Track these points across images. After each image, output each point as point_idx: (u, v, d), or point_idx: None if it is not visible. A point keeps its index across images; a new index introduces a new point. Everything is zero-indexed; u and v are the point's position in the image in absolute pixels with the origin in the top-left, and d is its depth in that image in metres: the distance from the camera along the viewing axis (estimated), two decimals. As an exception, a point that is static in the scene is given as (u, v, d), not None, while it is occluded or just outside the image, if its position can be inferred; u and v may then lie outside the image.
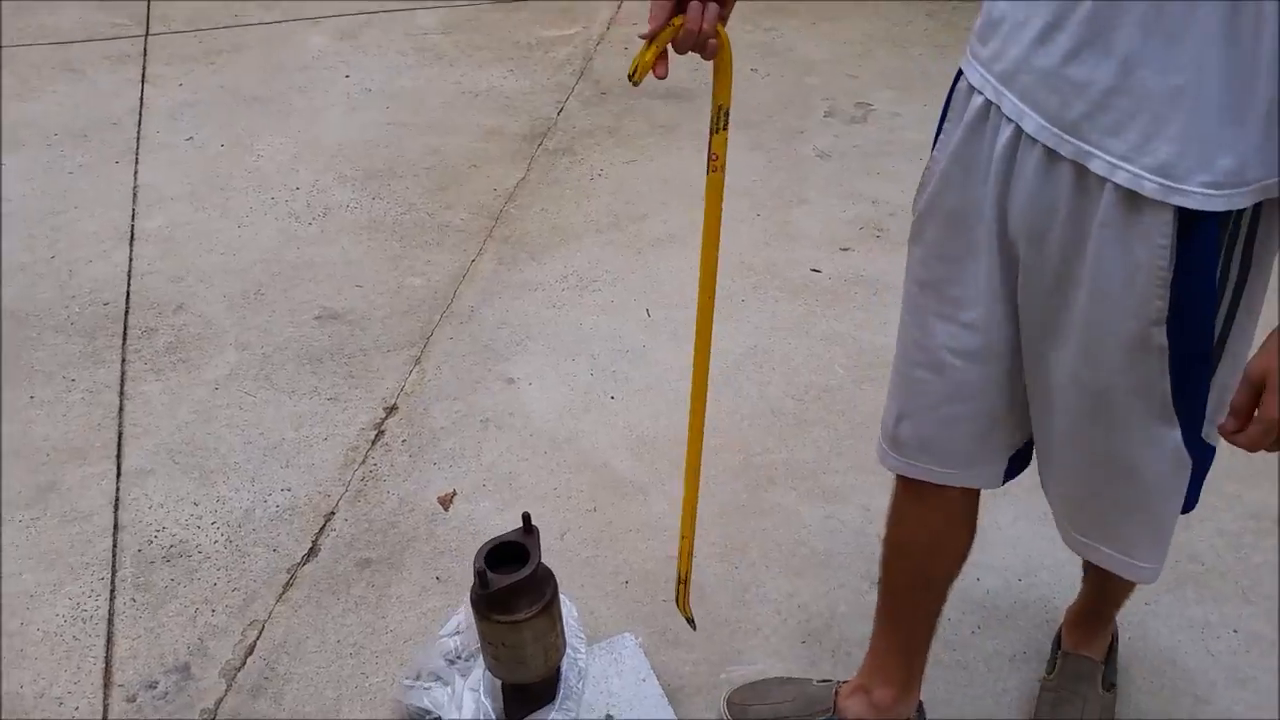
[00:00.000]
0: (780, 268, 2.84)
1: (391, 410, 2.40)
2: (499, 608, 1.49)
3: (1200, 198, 0.94)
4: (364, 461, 2.26)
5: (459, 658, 1.77)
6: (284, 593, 1.96)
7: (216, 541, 2.07)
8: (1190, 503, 1.22)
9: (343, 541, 2.07)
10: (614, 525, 2.08)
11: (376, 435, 2.33)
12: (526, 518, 1.53)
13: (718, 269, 1.44)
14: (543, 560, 1.52)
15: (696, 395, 1.56)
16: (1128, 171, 0.96)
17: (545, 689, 1.63)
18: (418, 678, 1.71)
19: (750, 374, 2.48)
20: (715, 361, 2.52)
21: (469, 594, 1.53)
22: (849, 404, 2.38)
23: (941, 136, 1.16)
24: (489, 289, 2.80)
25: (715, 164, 1.32)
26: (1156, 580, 1.29)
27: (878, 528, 1.55)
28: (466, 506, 2.14)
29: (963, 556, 1.45)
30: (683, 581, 1.73)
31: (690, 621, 1.76)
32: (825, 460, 2.24)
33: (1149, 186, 0.95)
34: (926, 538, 1.42)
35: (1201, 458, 1.16)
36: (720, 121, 1.27)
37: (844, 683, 1.64)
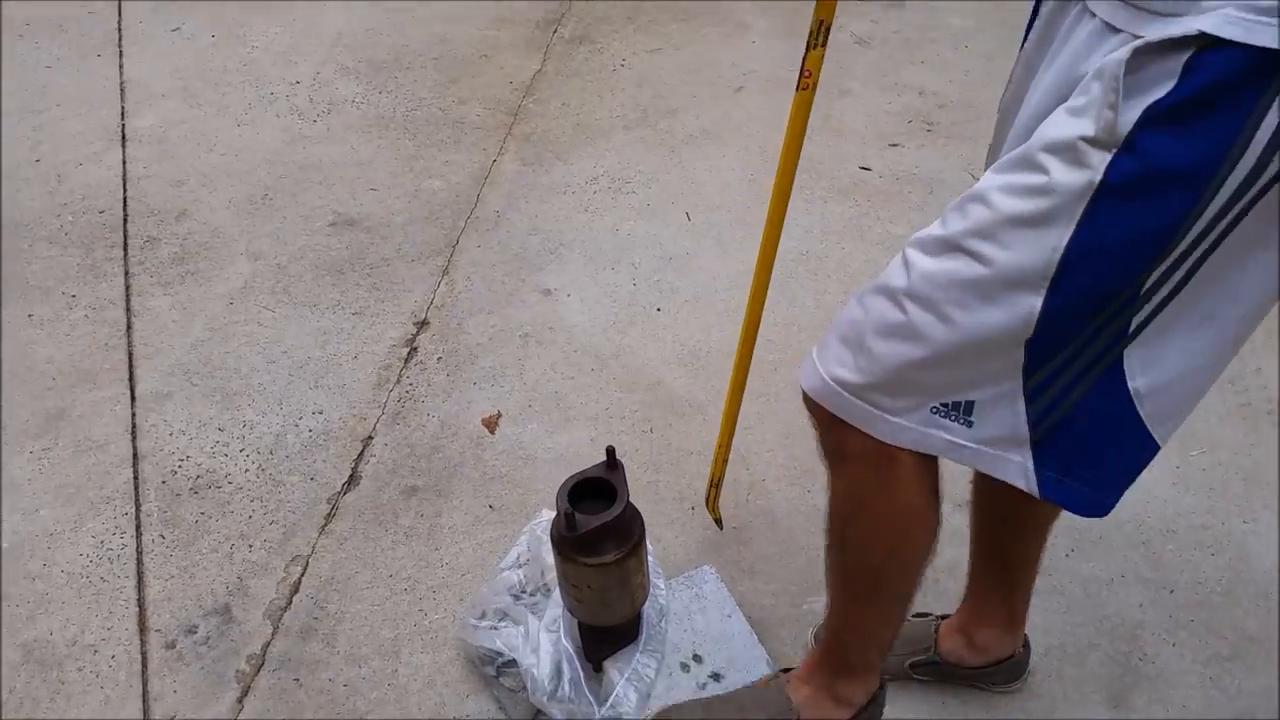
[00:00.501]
0: (827, 166, 2.68)
1: (422, 325, 2.25)
2: (586, 550, 1.37)
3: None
4: (399, 381, 2.12)
5: (524, 592, 1.66)
6: (326, 524, 1.85)
7: (248, 470, 1.94)
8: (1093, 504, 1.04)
9: (384, 468, 1.94)
10: (673, 447, 1.96)
11: (410, 352, 2.19)
12: (611, 452, 1.41)
13: (790, 185, 1.29)
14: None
15: (754, 299, 1.43)
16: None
17: (627, 629, 1.52)
18: (483, 616, 1.61)
19: (804, 281, 2.34)
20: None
21: (550, 531, 1.42)
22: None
23: (1028, 34, 1.04)
24: (514, 192, 2.63)
25: (807, 81, 1.18)
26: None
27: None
28: (513, 429, 2.01)
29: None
30: (715, 485, 1.68)
31: (718, 523, 1.74)
32: (892, 374, 2.12)
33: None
34: None
35: (1064, 495, 1.02)
36: (820, 38, 1.13)
37: (942, 618, 1.55)
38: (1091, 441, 0.98)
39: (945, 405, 0.99)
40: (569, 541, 1.36)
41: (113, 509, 1.87)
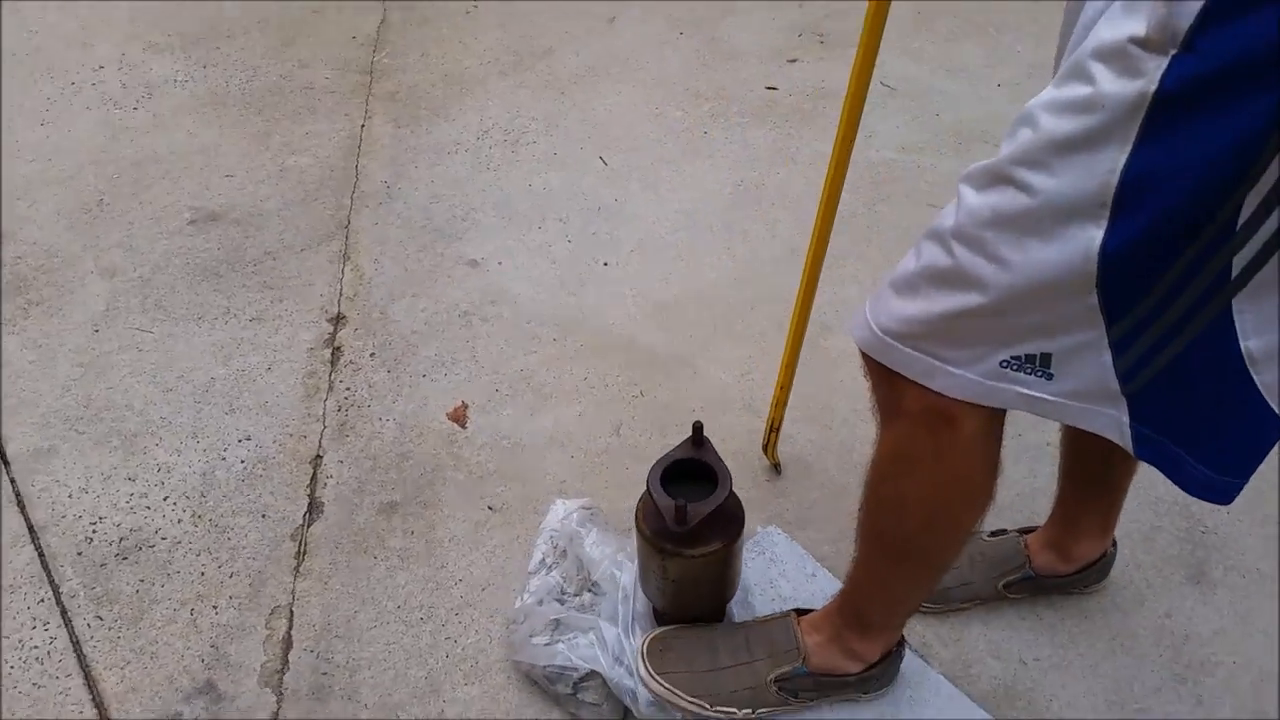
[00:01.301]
0: (733, 90, 2.55)
1: (339, 320, 1.98)
2: (691, 541, 1.21)
3: None
4: (331, 388, 1.85)
5: (565, 593, 1.48)
6: (300, 565, 1.59)
7: (180, 521, 1.64)
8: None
9: (348, 489, 1.69)
10: (672, 408, 1.81)
11: (334, 353, 1.92)
12: (698, 428, 1.24)
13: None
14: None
15: (817, 243, 1.31)
16: None
17: (716, 615, 1.37)
18: (540, 631, 1.41)
19: (751, 212, 2.22)
20: (706, 204, 2.24)
21: (639, 524, 1.24)
22: (871, 227, 2.17)
23: None
24: (398, 158, 2.37)
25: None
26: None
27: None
28: (486, 419, 1.80)
29: None
30: (775, 430, 1.60)
31: (776, 468, 1.66)
32: (869, 294, 2.03)
33: None
34: None
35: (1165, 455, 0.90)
36: None
37: (1023, 532, 1.48)
38: (1198, 407, 0.86)
39: (1018, 358, 0.88)
40: (677, 536, 1.19)
41: (22, 598, 1.54)
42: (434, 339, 1.94)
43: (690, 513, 1.16)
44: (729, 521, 1.23)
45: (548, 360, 1.90)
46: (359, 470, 1.72)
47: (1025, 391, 0.89)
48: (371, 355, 1.91)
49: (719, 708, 1.26)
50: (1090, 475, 1.36)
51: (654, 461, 1.24)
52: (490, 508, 1.66)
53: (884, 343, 0.94)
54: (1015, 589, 1.46)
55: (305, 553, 1.60)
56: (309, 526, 1.64)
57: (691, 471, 1.23)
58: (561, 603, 1.47)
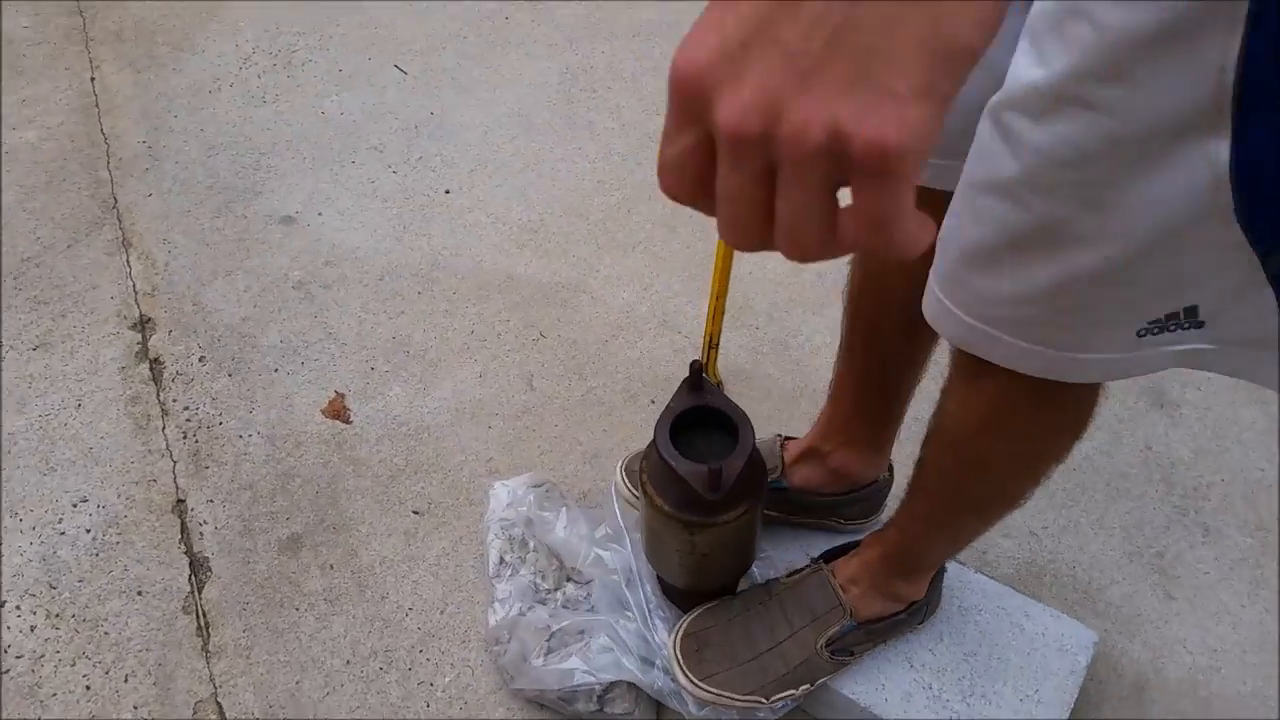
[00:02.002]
0: (523, -40, 2.25)
1: (144, 325, 1.63)
2: (722, 506, 1.03)
3: None
4: (166, 412, 1.52)
5: (541, 590, 1.28)
6: (207, 643, 1.30)
7: (35, 627, 1.31)
8: None
9: (233, 533, 1.40)
10: (582, 344, 1.60)
11: (153, 366, 1.57)
12: (695, 369, 1.04)
13: None
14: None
15: None
16: None
17: (737, 580, 1.22)
18: (531, 649, 1.21)
19: (589, 103, 1.97)
20: (535, 101, 1.97)
21: (650, 497, 1.05)
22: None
23: None
24: (150, 110, 1.95)
25: None
26: None
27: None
28: (370, 406, 1.53)
29: None
30: (713, 346, 1.37)
31: (720, 385, 1.45)
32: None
33: None
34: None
35: None
36: None
37: (786, 439, 1.29)
38: None
39: (1156, 321, 0.70)
40: (708, 505, 1.01)
41: None
42: (271, 323, 1.63)
43: (725, 474, 0.98)
44: (753, 471, 1.06)
45: (419, 319, 1.63)
46: (237, 506, 1.42)
47: (1175, 348, 0.72)
48: (200, 360, 1.58)
49: (776, 697, 1.11)
50: (875, 381, 1.15)
51: (657, 423, 1.04)
52: (415, 511, 1.41)
53: (985, 334, 0.75)
54: (768, 504, 1.26)
55: (208, 626, 1.32)
56: (200, 592, 1.34)
57: (695, 421, 1.04)
58: (544, 604, 1.27)
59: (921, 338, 1.07)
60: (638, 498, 1.23)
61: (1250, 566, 1.33)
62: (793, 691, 1.11)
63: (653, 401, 1.50)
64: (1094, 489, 1.41)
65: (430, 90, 1.98)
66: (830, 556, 1.17)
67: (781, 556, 1.24)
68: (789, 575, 1.16)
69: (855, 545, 1.17)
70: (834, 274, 1.66)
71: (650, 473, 1.05)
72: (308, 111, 1.95)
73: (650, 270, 1.68)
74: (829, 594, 1.12)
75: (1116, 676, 1.22)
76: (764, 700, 1.10)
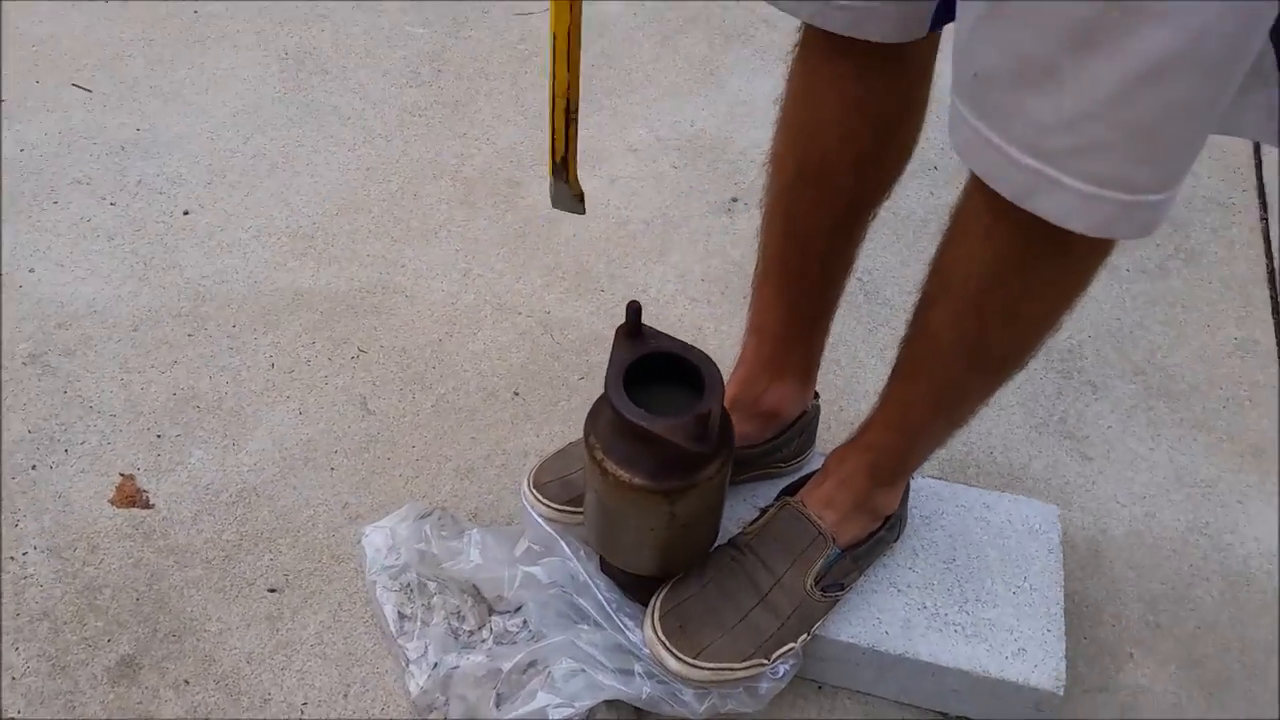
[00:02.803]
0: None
1: None
2: (705, 460, 0.89)
3: None
4: (-107, 553, 1.17)
5: (462, 632, 1.09)
6: (46, 826, 1.00)
7: None
8: None
9: (39, 676, 1.09)
10: (410, 351, 1.39)
11: None
12: (633, 309, 0.89)
13: None
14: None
15: None
16: None
17: (709, 548, 1.08)
18: (478, 704, 1.02)
19: (316, 82, 1.75)
20: (255, 92, 1.71)
21: (612, 470, 0.89)
22: None
23: None
24: None
25: None
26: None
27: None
28: (171, 480, 1.25)
29: (904, 152, 0.95)
30: (570, 155, 0.88)
31: (580, 199, 0.90)
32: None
33: None
34: (835, 119, 0.90)
35: None
36: None
37: None
38: None
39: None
40: (692, 461, 0.87)
41: None
42: (10, 413, 1.29)
43: (712, 418, 0.84)
44: (725, 416, 0.93)
45: (199, 365, 1.35)
46: (38, 644, 1.11)
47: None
48: (-76, 478, 1.23)
49: (776, 654, 0.99)
50: (805, 293, 1.03)
51: (604, 378, 0.88)
52: (270, 589, 1.16)
53: (1044, 178, 0.65)
54: None
55: (36, 803, 1.01)
56: (12, 765, 1.03)
57: (643, 374, 0.90)
58: (471, 649, 1.08)
59: (857, 226, 0.98)
60: (560, 509, 1.07)
61: (1144, 410, 1.36)
62: (792, 645, 0.99)
63: (516, 394, 1.33)
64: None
65: (126, 104, 1.67)
66: (792, 490, 1.06)
67: (730, 517, 1.12)
68: (751, 523, 1.04)
69: (812, 475, 1.06)
70: (660, 221, 1.55)
71: (609, 448, 0.89)
72: (-26, 155, 1.58)
73: (463, 254, 1.49)
74: (804, 526, 1.01)
75: (1070, 548, 1.20)
76: (765, 661, 0.98)
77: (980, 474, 1.28)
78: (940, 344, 0.89)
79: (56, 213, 1.51)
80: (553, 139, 0.81)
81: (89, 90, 1.69)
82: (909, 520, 1.12)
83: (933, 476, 1.20)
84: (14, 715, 1.06)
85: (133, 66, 1.73)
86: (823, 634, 1.03)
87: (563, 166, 0.82)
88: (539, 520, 1.07)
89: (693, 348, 0.90)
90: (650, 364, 0.90)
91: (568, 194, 0.85)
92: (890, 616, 1.06)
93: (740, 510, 1.12)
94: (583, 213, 0.87)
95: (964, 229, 0.81)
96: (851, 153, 0.89)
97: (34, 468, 1.24)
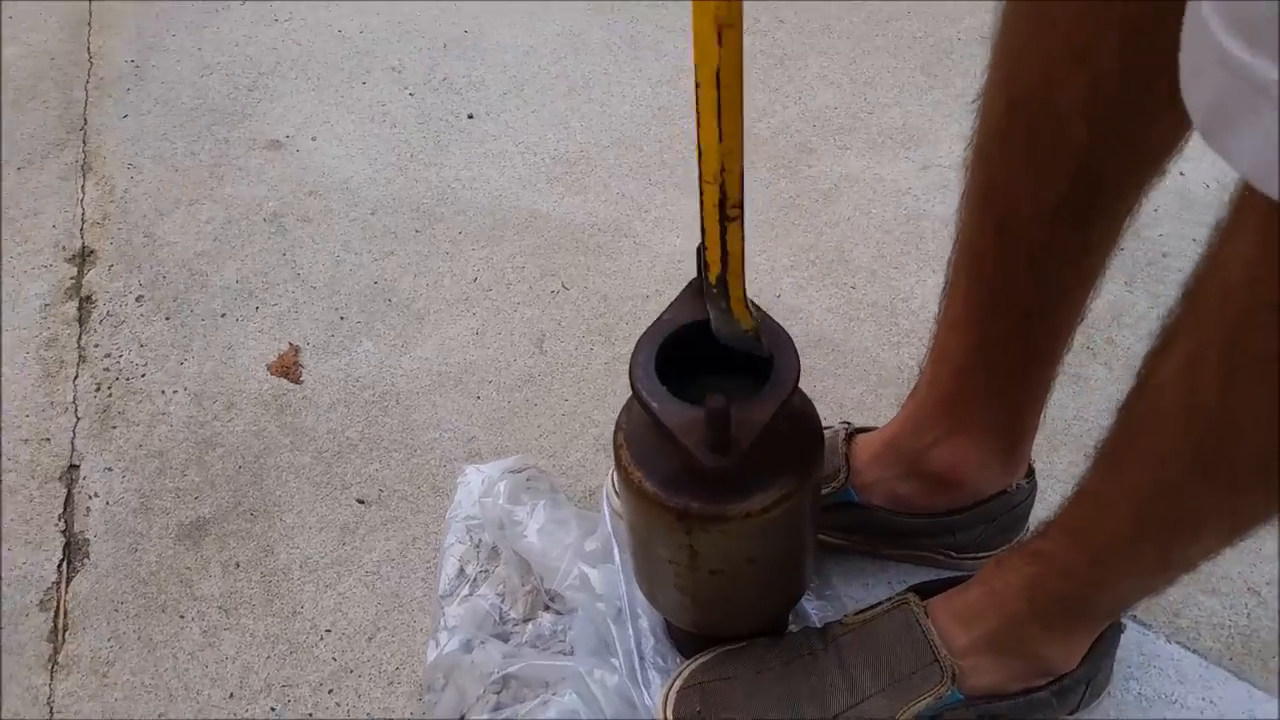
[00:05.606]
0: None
1: (85, 257, 1.34)
2: (738, 486, 0.64)
3: None
4: (83, 358, 1.22)
5: (507, 620, 0.91)
6: (57, 650, 0.97)
7: None
8: None
9: (126, 509, 1.07)
10: (613, 299, 1.23)
11: (81, 306, 1.28)
12: (702, 257, 0.66)
13: None
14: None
15: None
16: None
17: (776, 623, 0.82)
18: (471, 705, 0.84)
19: (655, 19, 1.63)
20: (595, 19, 1.63)
21: (632, 475, 0.67)
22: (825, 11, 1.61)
23: None
24: (146, 30, 1.71)
25: None
26: None
27: None
28: (330, 363, 1.19)
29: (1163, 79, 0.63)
30: (726, 274, 0.64)
31: (756, 336, 0.68)
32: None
33: None
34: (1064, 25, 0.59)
35: None
36: None
37: (857, 431, 0.87)
38: None
39: None
40: (713, 481, 0.62)
41: None
42: (230, 259, 1.32)
43: (738, 422, 0.59)
44: (800, 430, 0.67)
45: (411, 262, 1.29)
46: (138, 478, 1.10)
47: None
48: (138, 299, 1.28)
49: None
50: (1008, 309, 0.73)
51: (637, 343, 0.66)
52: (359, 500, 1.06)
53: None
54: (831, 529, 0.86)
55: (66, 629, 0.99)
56: (68, 584, 1.02)
57: (711, 355, 0.66)
58: (504, 639, 0.90)
59: (1095, 212, 0.66)
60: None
61: None
62: None
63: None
64: None
65: (467, 7, 1.67)
66: (928, 591, 0.76)
67: (856, 595, 0.84)
68: (857, 613, 0.76)
69: (969, 577, 0.76)
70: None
71: (630, 431, 0.68)
72: (323, 30, 1.66)
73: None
74: (919, 644, 0.72)
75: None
76: None
77: (1283, 665, 0.88)
78: (1161, 409, 0.56)
79: (361, 92, 1.54)
80: (703, 244, 0.59)
81: (443, -11, 1.71)
82: (1114, 686, 0.77)
83: (1201, 648, 0.83)
84: (88, 538, 1.05)
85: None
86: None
87: (721, 286, 0.60)
88: (606, 509, 0.87)
89: (773, 323, 0.65)
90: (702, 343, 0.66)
91: (731, 324, 0.62)
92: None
93: (878, 592, 0.84)
94: (764, 354, 0.63)
95: (1235, 224, 0.49)
96: (1086, 77, 0.59)
97: (223, 315, 1.25)
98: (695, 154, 0.54)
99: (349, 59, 1.60)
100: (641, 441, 0.66)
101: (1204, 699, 0.76)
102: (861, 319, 1.18)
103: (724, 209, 0.54)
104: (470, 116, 1.49)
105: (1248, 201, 0.45)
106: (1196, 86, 0.40)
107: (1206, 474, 0.55)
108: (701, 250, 0.58)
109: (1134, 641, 0.79)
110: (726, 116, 0.51)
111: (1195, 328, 0.51)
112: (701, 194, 0.54)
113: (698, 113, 0.52)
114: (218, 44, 1.66)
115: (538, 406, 1.13)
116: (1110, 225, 0.66)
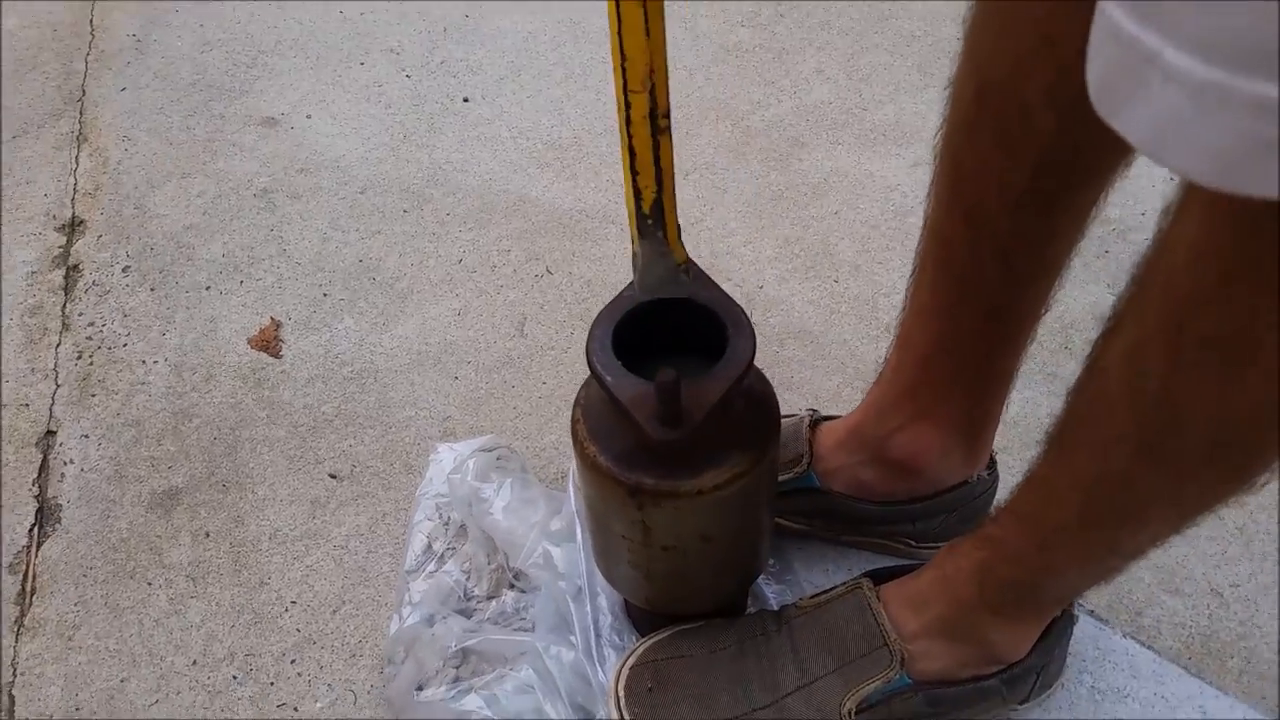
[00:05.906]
0: None
1: (74, 227, 1.35)
2: (691, 462, 0.64)
3: None
4: (66, 325, 1.23)
5: (472, 597, 0.92)
6: (23, 614, 0.98)
7: None
8: None
9: (100, 477, 1.08)
10: (597, 284, 1.24)
11: (67, 275, 1.28)
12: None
13: None
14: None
15: None
16: None
17: (732, 602, 0.82)
18: (430, 677, 0.84)
19: (659, 11, 1.63)
20: (596, 5, 1.66)
21: (590, 451, 0.67)
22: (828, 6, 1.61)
23: None
24: (149, 6, 1.71)
25: None
26: None
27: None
28: (310, 338, 1.20)
29: None
30: (662, 199, 0.66)
31: (685, 269, 0.70)
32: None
33: None
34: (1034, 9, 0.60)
35: None
36: None
37: (824, 419, 0.87)
38: None
39: None
40: (664, 455, 0.62)
41: None
42: (218, 234, 1.32)
43: (690, 397, 0.59)
44: (757, 411, 0.67)
45: (397, 241, 1.30)
46: (114, 446, 1.10)
47: None
48: (125, 270, 1.28)
49: None
50: (975, 299, 0.73)
51: (596, 317, 0.66)
52: (332, 475, 1.06)
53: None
54: (791, 514, 0.86)
55: (33, 593, 0.99)
56: (38, 548, 1.02)
57: (668, 324, 0.66)
58: (467, 615, 0.90)
59: (1059, 207, 0.66)
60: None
61: None
62: None
63: (676, 360, 1.12)
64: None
65: (472, -7, 1.68)
66: (883, 576, 0.76)
67: (816, 581, 0.84)
68: (812, 597, 0.76)
69: (921, 564, 0.76)
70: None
71: (587, 407, 0.68)
72: (324, 11, 1.66)
73: (703, 202, 1.31)
74: (870, 628, 0.72)
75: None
76: None
77: (1245, 669, 0.87)
78: (1108, 393, 0.56)
79: (359, 73, 1.54)
80: (632, 169, 0.56)
81: (446, -26, 1.71)
82: (1067, 677, 0.77)
83: (1161, 648, 0.83)
84: (61, 503, 1.06)
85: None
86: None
87: (657, 212, 0.57)
88: (572, 495, 0.87)
89: (727, 298, 0.65)
90: (683, 316, 0.66)
91: (663, 260, 0.59)
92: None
93: (836, 578, 0.84)
94: (686, 295, 0.61)
95: (1180, 208, 0.49)
96: (1053, 66, 0.58)
97: (207, 288, 1.25)
98: (615, 63, 0.51)
99: (349, 40, 1.60)
100: (599, 417, 0.66)
101: (1156, 694, 0.76)
102: (843, 312, 1.17)
103: (654, 119, 0.52)
104: (466, 100, 1.49)
105: (1192, 185, 0.45)
106: (1094, 62, 0.40)
107: (1152, 459, 0.55)
108: (632, 174, 0.56)
109: (1090, 636, 0.79)
110: (652, 8, 0.50)
111: (1140, 311, 0.51)
112: (628, 107, 0.52)
113: (618, 15, 0.50)
114: (220, 20, 1.66)
115: (515, 388, 1.13)
116: (1076, 215, 0.66)
